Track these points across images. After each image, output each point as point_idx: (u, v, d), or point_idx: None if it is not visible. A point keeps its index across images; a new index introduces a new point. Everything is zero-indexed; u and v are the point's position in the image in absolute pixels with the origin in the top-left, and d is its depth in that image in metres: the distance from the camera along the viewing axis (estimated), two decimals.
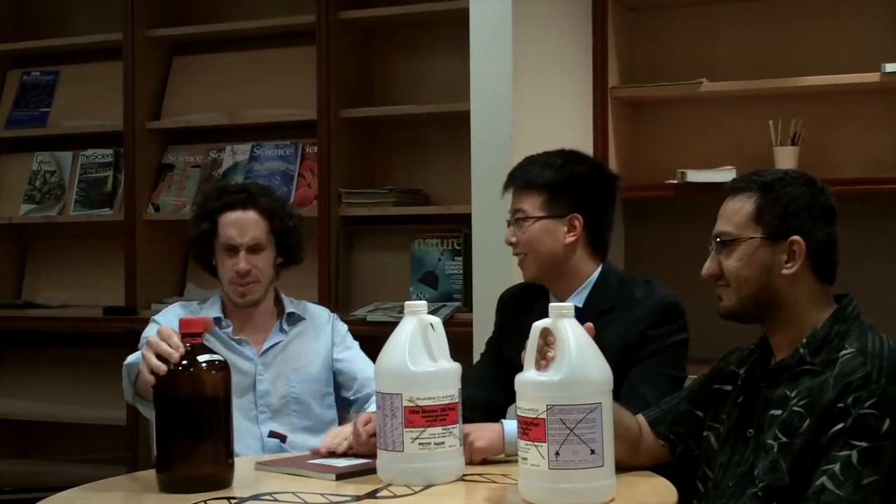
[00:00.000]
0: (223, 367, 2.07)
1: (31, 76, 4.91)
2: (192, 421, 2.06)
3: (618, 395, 2.18)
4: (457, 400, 2.07)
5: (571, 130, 3.76)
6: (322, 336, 3.07)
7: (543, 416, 1.85)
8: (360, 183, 4.35)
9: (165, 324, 2.89)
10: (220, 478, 2.09)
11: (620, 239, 3.99)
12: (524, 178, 2.60)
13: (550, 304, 1.95)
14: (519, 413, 1.91)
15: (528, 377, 1.92)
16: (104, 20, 4.72)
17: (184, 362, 2.04)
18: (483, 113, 3.57)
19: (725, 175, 3.56)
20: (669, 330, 2.50)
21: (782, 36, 3.89)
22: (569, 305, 1.94)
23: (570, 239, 2.57)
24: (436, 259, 4.20)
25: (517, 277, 2.78)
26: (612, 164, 3.81)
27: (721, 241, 2.12)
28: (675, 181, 3.72)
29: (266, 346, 3.00)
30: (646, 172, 3.98)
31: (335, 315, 3.18)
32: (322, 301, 4.23)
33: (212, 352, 2.09)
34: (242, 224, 2.95)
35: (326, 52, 4.26)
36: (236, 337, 2.99)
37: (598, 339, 1.99)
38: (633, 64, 3.99)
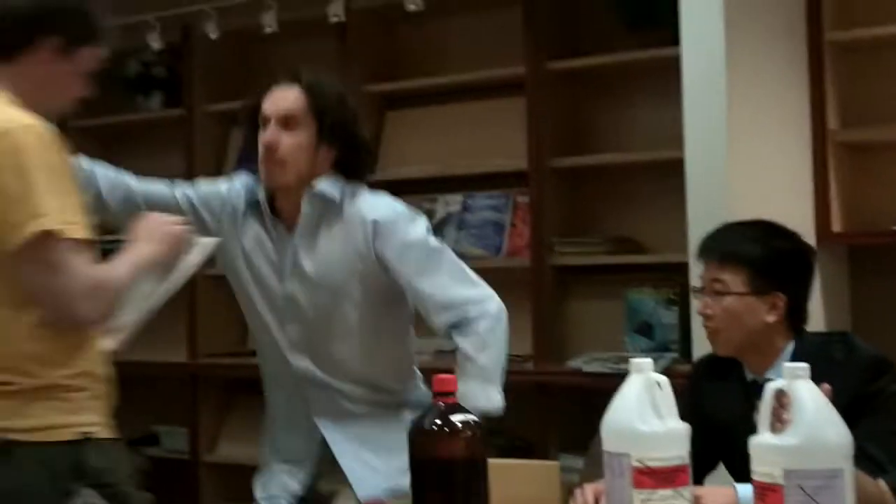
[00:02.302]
0: (478, 426, 2.03)
1: None
2: (448, 482, 2.03)
3: None
4: (687, 461, 2.03)
5: (789, 176, 3.68)
6: (357, 225, 2.74)
7: (781, 481, 1.79)
8: (571, 232, 4.34)
9: (240, 186, 2.83)
10: None
11: (845, 289, 3.86)
12: (727, 249, 2.53)
13: (785, 365, 1.89)
14: (754, 477, 1.86)
15: (763, 440, 1.87)
16: None
17: (437, 422, 2.01)
18: (697, 161, 3.53)
19: None
20: (885, 383, 2.40)
21: None
22: (803, 366, 1.88)
23: (771, 318, 2.50)
24: (651, 308, 4.14)
25: None
26: (834, 210, 3.70)
27: None
28: None
29: (295, 233, 2.75)
30: (870, 218, 3.83)
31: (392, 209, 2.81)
32: (536, 351, 4.24)
33: (466, 411, 2.05)
34: (279, 96, 2.72)
35: (536, 103, 4.29)
36: (269, 215, 2.77)
37: None
38: (852, 106, 3.86)
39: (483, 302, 2.78)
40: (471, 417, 2.03)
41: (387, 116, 4.84)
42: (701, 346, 3.46)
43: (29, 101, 2.26)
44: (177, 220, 2.53)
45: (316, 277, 2.76)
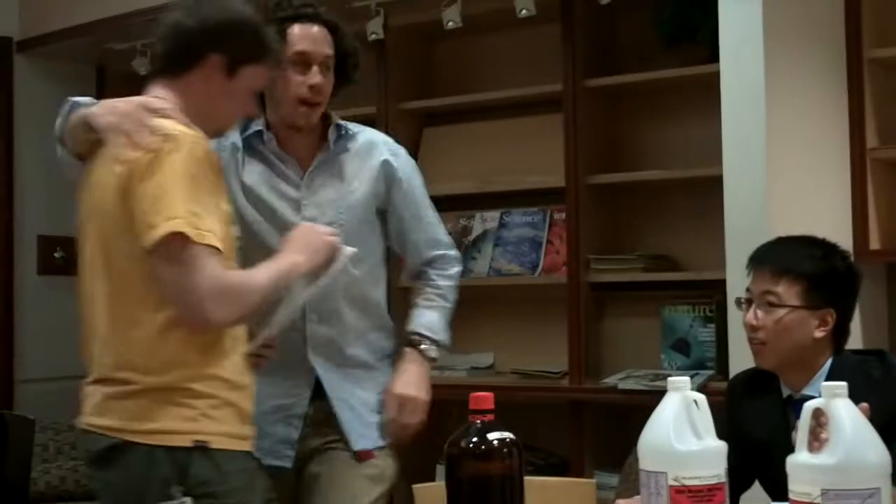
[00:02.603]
0: (515, 444, 2.03)
1: None
2: (486, 500, 2.02)
3: None
4: (723, 480, 2.03)
5: (827, 194, 3.66)
6: (374, 157, 2.86)
7: (819, 500, 1.78)
8: (608, 249, 4.34)
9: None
10: None
11: (883, 307, 3.84)
12: (783, 262, 2.54)
13: (823, 384, 1.89)
14: (792, 497, 1.85)
15: (800, 459, 1.86)
16: (360, 95, 4.89)
17: (475, 440, 2.01)
18: (736, 178, 3.52)
19: None
20: None
21: None
22: (842, 385, 1.87)
23: (819, 334, 2.51)
24: (687, 326, 4.13)
25: None
26: (873, 228, 3.68)
27: None
28: None
29: (312, 166, 2.81)
30: None
31: (397, 145, 2.97)
32: (572, 368, 4.24)
33: (502, 429, 2.05)
34: (315, 37, 2.75)
35: (573, 120, 4.29)
36: (280, 151, 2.80)
37: None
38: (891, 124, 3.84)
39: (455, 249, 3.03)
40: (508, 436, 2.02)
41: (424, 133, 4.86)
42: (738, 363, 3.44)
43: (193, 116, 2.34)
44: (329, 231, 2.56)
45: (338, 203, 2.81)
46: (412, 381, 2.86)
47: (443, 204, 4.81)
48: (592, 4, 4.23)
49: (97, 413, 2.31)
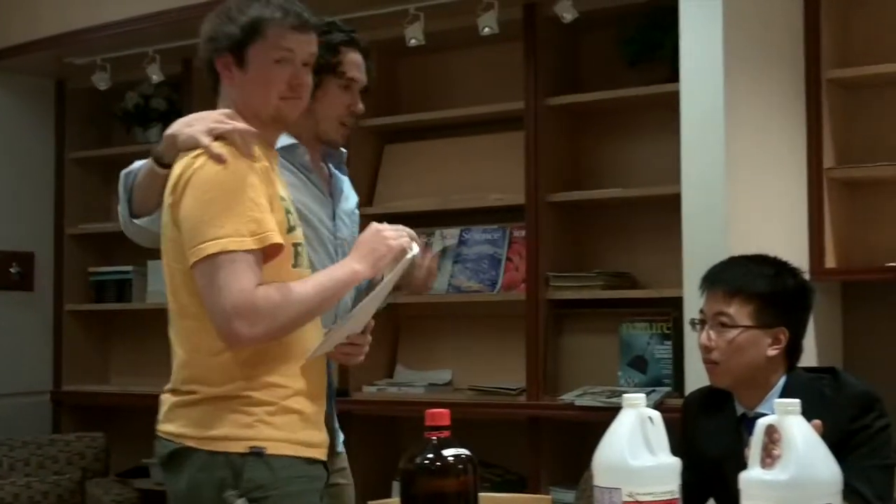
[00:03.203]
0: (470, 461, 2.02)
1: None
2: None
3: None
4: (677, 496, 2.03)
5: (785, 212, 3.69)
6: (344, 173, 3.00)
7: None
8: (567, 266, 4.35)
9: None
10: None
11: (838, 325, 3.87)
12: (735, 283, 2.55)
13: (775, 401, 1.89)
14: None
15: (753, 475, 1.86)
16: None
17: (430, 457, 2.00)
18: (694, 197, 3.54)
19: None
20: (871, 419, 2.42)
21: None
22: (794, 402, 1.88)
23: (772, 352, 2.53)
24: (645, 343, 4.15)
25: None
26: (829, 246, 3.71)
27: None
28: None
29: (332, 182, 2.91)
30: (864, 255, 3.85)
31: None
32: (530, 384, 4.24)
33: (458, 446, 2.04)
34: (360, 65, 2.86)
35: (535, 137, 4.31)
36: (308, 163, 2.86)
37: None
38: (849, 144, 3.88)
39: None
40: (464, 452, 2.02)
41: (386, 150, 4.86)
42: (694, 381, 3.46)
43: (246, 119, 2.38)
44: (401, 230, 2.49)
45: (351, 215, 2.93)
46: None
47: (403, 220, 4.81)
48: (555, 23, 4.25)
49: (165, 420, 2.39)
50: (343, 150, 2.94)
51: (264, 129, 2.42)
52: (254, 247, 2.24)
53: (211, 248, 2.22)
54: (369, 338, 2.57)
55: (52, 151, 5.66)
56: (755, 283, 2.54)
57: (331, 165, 2.93)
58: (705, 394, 2.70)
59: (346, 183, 2.96)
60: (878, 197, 3.90)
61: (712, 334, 2.55)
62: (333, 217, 2.87)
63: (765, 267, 2.58)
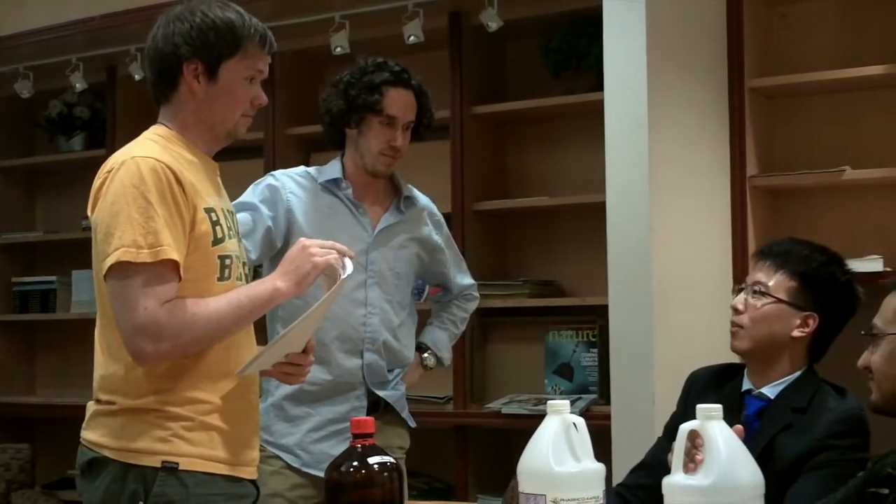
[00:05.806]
0: (396, 469, 2.01)
1: None
2: None
3: (783, 496, 2.14)
4: (602, 501, 2.04)
5: (709, 220, 3.72)
6: (422, 226, 3.27)
7: None
8: (494, 275, 4.35)
9: (285, 180, 3.14)
10: None
11: None
12: (784, 258, 2.57)
13: (698, 406, 1.91)
14: None
15: (675, 480, 1.88)
16: None
17: (355, 464, 1.99)
18: (618, 205, 3.56)
19: (872, 265, 3.47)
20: (850, 443, 2.39)
21: None
22: (717, 407, 1.90)
23: (798, 333, 2.53)
24: (570, 351, 4.17)
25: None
26: (752, 253, 3.75)
27: (869, 333, 2.07)
28: None
29: (382, 225, 3.17)
30: None
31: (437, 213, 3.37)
32: (457, 393, 4.24)
33: (384, 453, 2.03)
34: (407, 102, 3.14)
35: (461, 146, 4.31)
36: (356, 200, 3.15)
37: (780, 440, 2.06)
38: (771, 152, 3.93)
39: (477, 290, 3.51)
40: (389, 460, 2.02)
41: (312, 158, 4.82)
42: (619, 388, 3.48)
43: (197, 130, 2.39)
44: (325, 251, 2.41)
45: (396, 254, 3.19)
46: (408, 378, 3.28)
47: None
48: (481, 32, 4.26)
49: (87, 427, 2.37)
50: (413, 195, 3.24)
51: (214, 142, 2.42)
52: (148, 259, 2.20)
53: (111, 259, 2.20)
54: (311, 358, 2.53)
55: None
56: (802, 263, 2.55)
57: (400, 203, 3.19)
58: (711, 372, 2.70)
59: (409, 228, 3.21)
60: (800, 205, 3.95)
61: (747, 298, 2.57)
62: (368, 250, 3.11)
63: (819, 254, 2.59)
